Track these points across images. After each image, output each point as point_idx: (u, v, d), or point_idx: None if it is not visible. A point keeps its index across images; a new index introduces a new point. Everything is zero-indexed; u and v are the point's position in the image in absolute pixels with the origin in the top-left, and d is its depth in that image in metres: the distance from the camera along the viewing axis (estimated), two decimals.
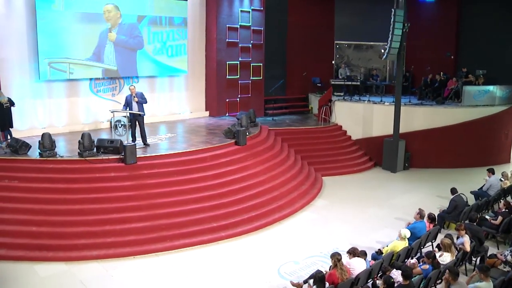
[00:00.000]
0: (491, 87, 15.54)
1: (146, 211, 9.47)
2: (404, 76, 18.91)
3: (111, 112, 11.09)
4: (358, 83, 18.26)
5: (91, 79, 13.47)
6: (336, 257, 6.66)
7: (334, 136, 16.23)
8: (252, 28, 16.72)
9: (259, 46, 17.10)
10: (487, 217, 9.75)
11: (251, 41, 16.78)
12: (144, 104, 11.32)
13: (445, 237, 7.49)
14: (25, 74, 12.18)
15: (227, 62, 16.23)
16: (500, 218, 9.33)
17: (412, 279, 6.67)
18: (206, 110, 16.60)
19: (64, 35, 12.50)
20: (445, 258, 7.23)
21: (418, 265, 7.09)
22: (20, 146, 10.19)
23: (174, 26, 14.96)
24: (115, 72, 13.74)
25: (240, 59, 16.56)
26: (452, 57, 17.84)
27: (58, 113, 13.01)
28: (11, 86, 11.89)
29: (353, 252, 7.07)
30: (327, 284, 6.49)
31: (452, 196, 10.24)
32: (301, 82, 18.76)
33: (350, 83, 17.90)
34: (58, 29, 12.36)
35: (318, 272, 6.45)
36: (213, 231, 9.64)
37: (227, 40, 16.06)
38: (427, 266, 6.97)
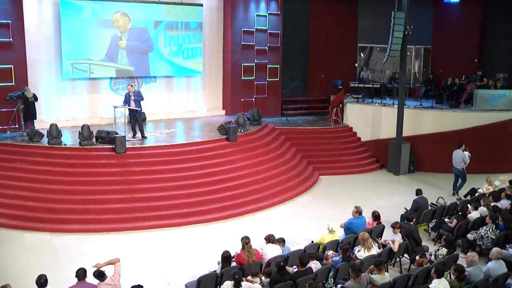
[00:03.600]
0: (506, 91, 14.92)
1: (126, 194, 10.74)
2: (428, 79, 18.67)
3: (113, 107, 12.55)
4: (378, 86, 18.27)
5: (111, 78, 15.10)
6: (244, 240, 7.35)
7: (342, 137, 16.51)
8: (268, 31, 17.46)
9: (276, 48, 17.80)
10: (446, 219, 9.75)
11: (268, 44, 17.53)
12: (141, 102, 12.61)
13: (364, 232, 7.80)
14: (51, 73, 14.06)
15: (242, 64, 17.14)
16: (455, 221, 9.33)
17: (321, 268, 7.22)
18: (223, 109, 17.65)
19: (85, 39, 14.19)
20: (361, 253, 7.58)
21: (331, 256, 7.52)
22: (34, 135, 11.93)
23: (190, 30, 16.18)
24: (130, 72, 15.20)
25: (255, 61, 17.39)
26: (476, 60, 17.21)
27: (80, 108, 14.75)
28: (39, 83, 13.80)
29: (269, 239, 7.68)
30: (233, 264, 7.21)
31: (415, 197, 10.33)
32: (322, 84, 19.12)
33: (363, 85, 17.97)
34: (80, 34, 14.06)
35: (225, 252, 7.16)
36: (183, 216, 10.66)
37: (242, 43, 16.96)
38: (337, 258, 7.40)
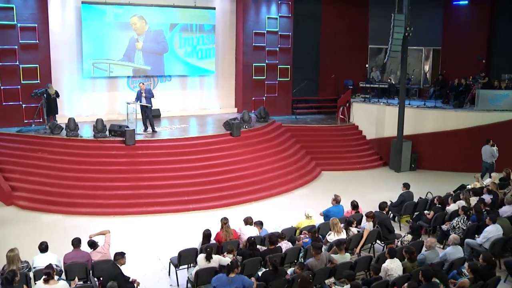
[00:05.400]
0: (509, 92, 15.12)
1: (132, 182, 11.80)
2: (437, 79, 18.96)
3: (127, 103, 13.67)
4: (386, 86, 18.70)
5: (128, 76, 16.27)
6: (223, 221, 8.19)
7: (347, 135, 17.09)
8: (279, 33, 18.24)
9: (287, 49, 18.54)
10: (425, 212, 10.26)
11: (278, 45, 18.31)
12: (152, 99, 13.66)
13: (333, 218, 8.47)
14: (73, 72, 15.36)
15: (254, 64, 17.98)
16: (432, 213, 9.85)
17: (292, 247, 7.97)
18: (235, 107, 18.54)
19: (105, 40, 15.39)
20: (331, 236, 8.26)
21: (303, 238, 8.25)
22: (55, 128, 13.19)
23: (203, 32, 17.17)
24: (146, 72, 16.30)
25: (266, 61, 18.20)
26: (484, 61, 17.39)
27: (100, 104, 15.97)
28: (62, 81, 15.11)
29: (247, 221, 8.48)
30: (213, 241, 8.05)
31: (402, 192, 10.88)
32: (334, 84, 19.73)
33: (369, 85, 18.45)
34: (100, 36, 15.28)
35: (206, 230, 8.01)
36: (184, 203, 11.61)
37: (253, 44, 17.81)
38: (307, 240, 8.12)
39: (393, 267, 6.95)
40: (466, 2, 18.16)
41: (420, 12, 17.84)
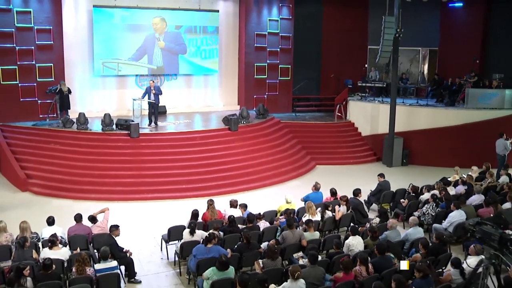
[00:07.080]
0: (498, 91, 15.74)
1: (135, 171, 12.87)
2: (433, 79, 19.59)
3: (133, 99, 14.76)
4: (383, 85, 19.41)
5: (136, 75, 17.38)
6: (208, 202, 9.16)
7: (343, 131, 17.90)
8: (280, 34, 19.15)
9: (288, 50, 19.42)
10: (401, 200, 11.05)
11: (279, 46, 19.21)
12: (160, 96, 14.72)
13: (309, 201, 9.35)
14: (85, 71, 16.53)
15: (255, 64, 18.92)
16: (406, 201, 10.64)
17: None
18: (238, 104, 19.50)
19: (114, 41, 16.53)
20: (306, 218, 9.14)
21: (280, 219, 9.16)
22: (67, 122, 14.35)
23: (207, 33, 18.17)
24: (157, 70, 17.40)
25: (268, 61, 19.12)
26: (478, 61, 17.97)
27: (109, 101, 17.10)
28: (74, 79, 16.28)
29: (232, 204, 9.44)
30: (200, 221, 9.02)
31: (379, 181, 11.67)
32: (334, 83, 20.52)
33: (365, 84, 19.20)
34: (110, 37, 16.42)
35: (194, 210, 8.97)
36: (182, 191, 12.63)
37: (255, 45, 18.75)
38: (283, 220, 9.02)
39: (354, 243, 7.81)
40: (461, 4, 18.77)
41: (418, 14, 18.56)
